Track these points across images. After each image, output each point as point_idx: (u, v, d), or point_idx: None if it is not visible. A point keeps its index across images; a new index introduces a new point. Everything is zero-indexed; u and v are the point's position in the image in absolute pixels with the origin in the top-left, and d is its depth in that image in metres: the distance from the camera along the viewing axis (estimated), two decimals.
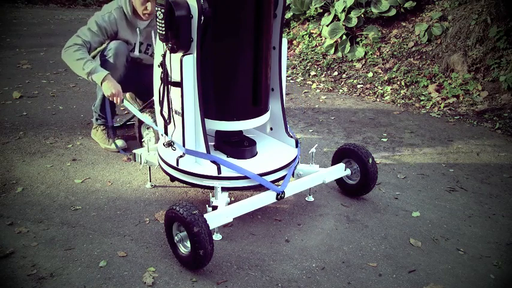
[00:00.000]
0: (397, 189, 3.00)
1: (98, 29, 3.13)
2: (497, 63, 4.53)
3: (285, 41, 2.63)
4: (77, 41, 3.08)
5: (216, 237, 2.42)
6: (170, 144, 2.54)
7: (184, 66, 2.33)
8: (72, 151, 3.41)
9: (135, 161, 2.92)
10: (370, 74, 5.09)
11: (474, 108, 4.33)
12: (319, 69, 5.48)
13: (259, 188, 2.49)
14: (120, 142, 3.40)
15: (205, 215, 2.17)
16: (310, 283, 2.16)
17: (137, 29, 3.26)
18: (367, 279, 2.20)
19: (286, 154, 2.65)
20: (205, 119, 2.47)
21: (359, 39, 5.49)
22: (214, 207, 2.31)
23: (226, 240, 2.44)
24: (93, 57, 3.44)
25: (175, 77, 2.40)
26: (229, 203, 2.38)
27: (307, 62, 5.64)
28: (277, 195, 2.43)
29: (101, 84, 3.01)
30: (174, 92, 2.43)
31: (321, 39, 5.82)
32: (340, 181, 2.87)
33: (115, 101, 3.05)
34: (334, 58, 5.52)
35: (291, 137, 2.73)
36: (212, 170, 2.43)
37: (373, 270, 2.26)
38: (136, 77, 3.34)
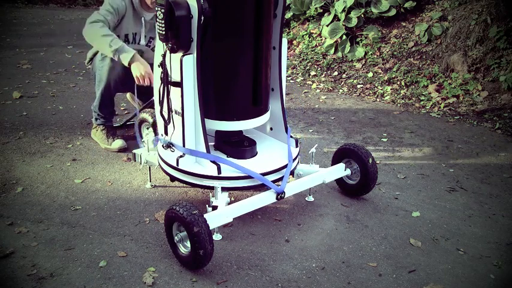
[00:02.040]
0: (397, 189, 3.00)
1: (112, 9, 3.14)
2: (497, 63, 4.53)
3: (285, 41, 2.63)
4: (100, 18, 3.08)
5: (216, 237, 2.42)
6: (169, 146, 2.54)
7: (184, 66, 2.33)
8: (72, 151, 3.41)
9: (135, 161, 2.92)
10: (370, 74, 5.09)
11: (474, 108, 4.33)
12: (319, 69, 5.48)
13: (259, 188, 2.49)
14: (120, 142, 3.40)
15: (205, 215, 2.17)
16: (310, 283, 2.16)
17: (142, 18, 3.27)
18: (367, 279, 2.20)
19: (286, 154, 2.65)
20: (205, 119, 2.47)
21: (359, 39, 5.49)
22: (214, 207, 2.31)
23: (226, 240, 2.44)
24: (94, 55, 3.43)
25: (175, 77, 2.40)
26: (229, 203, 2.38)
27: (307, 62, 5.64)
28: (278, 195, 2.42)
29: (129, 65, 2.99)
30: (174, 92, 2.43)
31: (321, 39, 5.81)
32: (340, 181, 2.87)
33: (145, 83, 2.99)
34: (334, 58, 5.52)
35: (291, 136, 2.73)
36: (212, 170, 2.43)
37: (373, 270, 2.26)
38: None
